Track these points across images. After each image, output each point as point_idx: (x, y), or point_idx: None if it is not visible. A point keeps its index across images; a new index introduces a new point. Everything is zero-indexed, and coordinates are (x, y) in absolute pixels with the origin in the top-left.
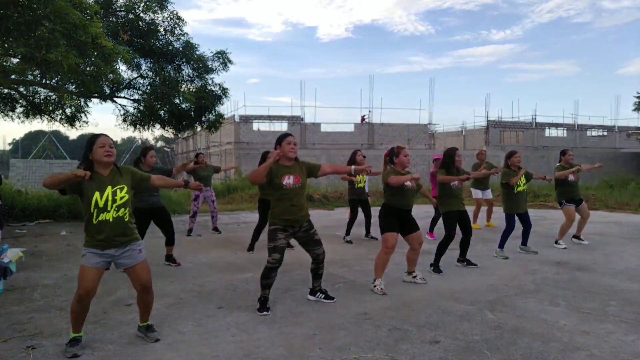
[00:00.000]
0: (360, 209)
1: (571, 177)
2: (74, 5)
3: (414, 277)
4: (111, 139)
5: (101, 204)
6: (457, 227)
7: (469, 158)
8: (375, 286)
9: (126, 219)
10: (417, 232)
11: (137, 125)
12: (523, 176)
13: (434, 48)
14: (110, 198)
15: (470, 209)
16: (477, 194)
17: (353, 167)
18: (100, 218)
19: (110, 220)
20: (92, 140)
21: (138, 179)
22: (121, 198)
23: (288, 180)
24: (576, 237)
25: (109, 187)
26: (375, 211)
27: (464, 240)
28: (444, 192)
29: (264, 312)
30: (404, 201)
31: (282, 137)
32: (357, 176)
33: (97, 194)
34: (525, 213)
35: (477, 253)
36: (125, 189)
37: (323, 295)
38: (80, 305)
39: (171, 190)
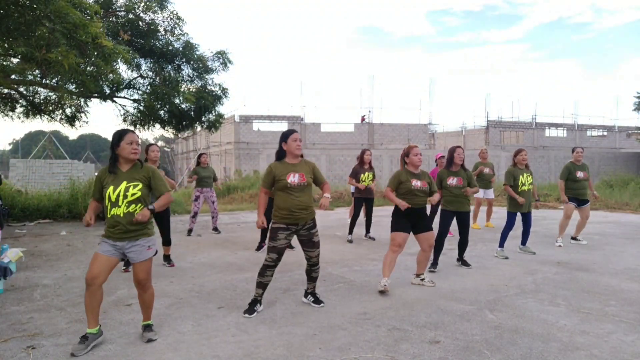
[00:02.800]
0: (362, 209)
1: (580, 174)
2: (74, 5)
3: (422, 279)
4: (137, 135)
5: (113, 198)
6: (454, 228)
7: (468, 158)
8: (380, 283)
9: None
10: (428, 233)
11: (137, 125)
12: (528, 175)
13: (434, 48)
14: (122, 194)
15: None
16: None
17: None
18: (112, 212)
19: (121, 215)
20: (120, 135)
21: (155, 184)
22: (132, 195)
23: (293, 179)
24: (574, 238)
25: (124, 183)
26: (376, 210)
27: (460, 242)
28: (444, 192)
29: (246, 315)
30: (412, 201)
31: (287, 134)
32: (362, 175)
33: (110, 189)
34: (527, 213)
35: (477, 253)
36: (140, 185)
37: (313, 299)
38: (88, 292)
39: (171, 190)
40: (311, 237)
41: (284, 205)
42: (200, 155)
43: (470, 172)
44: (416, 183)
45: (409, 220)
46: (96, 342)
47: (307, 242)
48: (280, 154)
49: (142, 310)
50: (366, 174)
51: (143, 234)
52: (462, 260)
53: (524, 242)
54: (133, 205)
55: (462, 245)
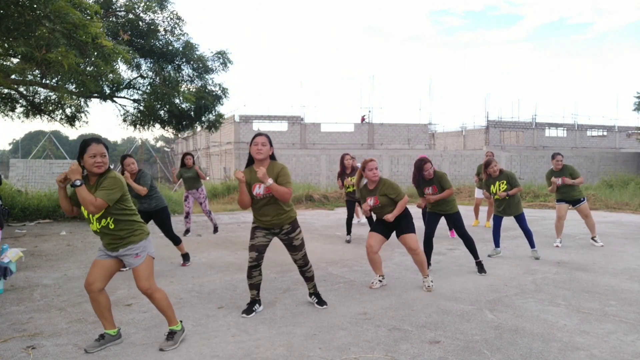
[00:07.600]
0: (358, 208)
1: (558, 182)
2: (74, 5)
3: (424, 282)
4: (104, 146)
5: (85, 214)
6: (454, 231)
7: (468, 158)
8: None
9: (111, 227)
10: (406, 236)
11: (137, 125)
12: (500, 183)
13: (434, 48)
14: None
15: (470, 208)
16: (478, 193)
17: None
18: (92, 228)
19: (98, 230)
20: (83, 146)
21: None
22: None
23: (258, 190)
24: (592, 238)
25: None
26: None
27: (464, 243)
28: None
29: (244, 315)
30: (376, 214)
31: (253, 138)
32: (345, 181)
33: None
34: (517, 216)
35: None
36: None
37: (317, 300)
38: (90, 299)
39: (171, 190)
40: (291, 241)
41: (255, 212)
42: (184, 156)
43: (443, 175)
44: (370, 202)
45: (386, 225)
46: (114, 344)
47: (288, 246)
48: (251, 159)
49: (164, 315)
50: (349, 178)
51: (129, 242)
52: (477, 265)
53: (531, 245)
54: (104, 220)
55: (466, 244)
